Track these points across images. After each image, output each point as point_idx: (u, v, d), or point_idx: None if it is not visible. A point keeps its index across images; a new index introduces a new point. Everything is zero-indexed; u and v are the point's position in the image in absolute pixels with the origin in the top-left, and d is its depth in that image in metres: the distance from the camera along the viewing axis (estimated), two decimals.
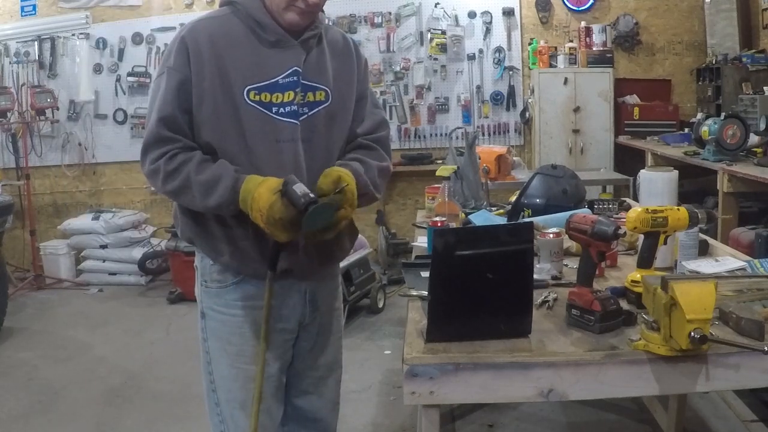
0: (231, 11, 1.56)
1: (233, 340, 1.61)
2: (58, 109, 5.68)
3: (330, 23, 1.69)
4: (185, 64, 1.49)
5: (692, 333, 1.20)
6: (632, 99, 5.83)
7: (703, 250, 2.00)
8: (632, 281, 1.59)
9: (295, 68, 1.54)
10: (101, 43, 5.86)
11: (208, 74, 1.49)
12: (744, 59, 5.23)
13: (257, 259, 1.55)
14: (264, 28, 1.53)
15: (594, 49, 5.79)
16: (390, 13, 5.84)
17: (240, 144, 1.52)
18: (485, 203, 2.93)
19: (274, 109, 1.52)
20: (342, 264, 1.99)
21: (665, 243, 1.61)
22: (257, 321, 1.59)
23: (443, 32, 5.82)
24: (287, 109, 1.54)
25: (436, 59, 5.85)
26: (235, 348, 1.62)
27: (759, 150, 4.09)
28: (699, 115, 5.07)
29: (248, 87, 1.50)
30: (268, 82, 1.52)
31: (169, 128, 1.50)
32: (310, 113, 1.57)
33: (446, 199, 2.37)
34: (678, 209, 1.59)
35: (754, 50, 5.35)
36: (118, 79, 5.87)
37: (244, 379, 1.61)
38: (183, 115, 1.51)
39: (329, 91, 1.60)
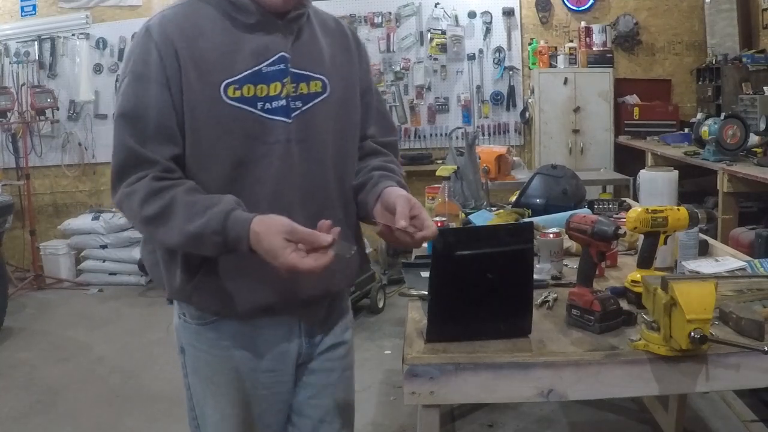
0: None
1: (216, 380, 1.39)
2: (58, 109, 5.68)
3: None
4: (158, 67, 1.24)
5: (692, 333, 1.20)
6: (632, 99, 5.83)
7: (703, 250, 2.00)
8: (632, 281, 1.59)
9: (282, 54, 1.29)
10: (101, 43, 5.86)
11: (183, 75, 1.24)
12: (744, 59, 5.23)
13: (239, 295, 1.32)
14: (239, 8, 1.28)
15: (594, 49, 5.80)
16: (390, 13, 5.84)
17: (218, 150, 1.27)
18: (485, 203, 2.92)
19: (260, 105, 1.27)
20: None
21: (665, 243, 1.61)
22: (243, 362, 1.37)
23: (443, 32, 5.82)
24: (275, 104, 1.29)
25: (436, 59, 5.85)
26: (221, 389, 1.39)
27: (759, 150, 4.09)
28: (699, 115, 5.07)
29: (226, 81, 1.25)
30: (248, 71, 1.26)
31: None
32: (304, 108, 1.32)
33: (446, 199, 2.36)
34: (678, 209, 1.59)
35: (754, 50, 5.35)
36: (118, 79, 5.86)
37: (231, 424, 1.40)
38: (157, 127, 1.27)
39: (326, 80, 1.35)
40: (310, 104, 1.33)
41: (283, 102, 1.29)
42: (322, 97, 1.35)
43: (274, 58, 1.29)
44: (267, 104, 1.28)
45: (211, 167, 1.27)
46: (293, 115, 1.31)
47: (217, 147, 1.27)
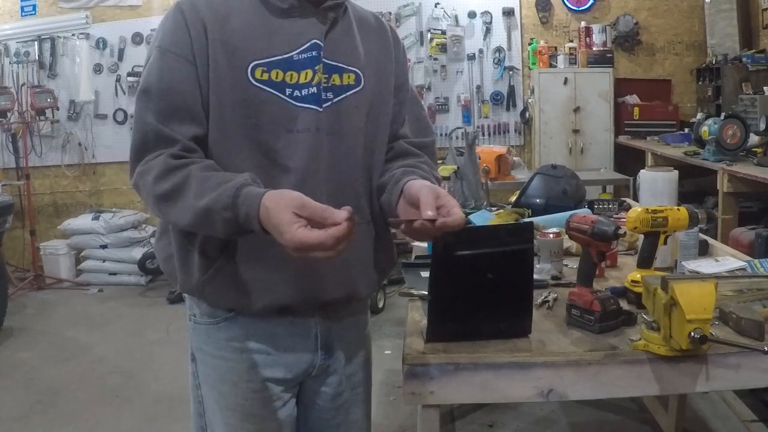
0: None
1: (224, 390, 1.31)
2: (58, 109, 5.69)
3: None
4: (186, 44, 1.20)
5: (692, 333, 1.20)
6: (632, 99, 5.83)
7: (703, 250, 2.00)
8: (632, 281, 1.58)
9: (315, 41, 1.23)
10: (101, 43, 5.86)
11: (210, 53, 1.20)
12: (744, 59, 5.24)
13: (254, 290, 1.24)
14: None
15: (594, 49, 5.81)
16: (390, 13, 5.84)
17: (242, 134, 1.21)
18: (485, 203, 2.93)
19: (288, 91, 1.21)
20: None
21: (665, 243, 1.61)
22: (253, 367, 1.29)
23: (443, 32, 5.83)
24: (304, 92, 1.22)
25: (436, 59, 5.86)
26: (226, 400, 1.30)
27: (759, 150, 4.09)
28: (699, 115, 5.08)
29: (254, 62, 1.19)
30: (279, 57, 1.21)
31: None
32: (336, 100, 1.25)
33: None
34: (678, 209, 1.59)
35: (754, 50, 5.35)
36: (118, 79, 5.88)
37: None
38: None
39: (360, 74, 1.29)
40: (342, 96, 1.26)
41: (314, 90, 1.23)
42: (354, 90, 1.28)
43: (306, 45, 1.23)
44: (296, 91, 1.22)
45: (235, 152, 1.21)
46: (324, 105, 1.24)
47: (242, 131, 1.21)
